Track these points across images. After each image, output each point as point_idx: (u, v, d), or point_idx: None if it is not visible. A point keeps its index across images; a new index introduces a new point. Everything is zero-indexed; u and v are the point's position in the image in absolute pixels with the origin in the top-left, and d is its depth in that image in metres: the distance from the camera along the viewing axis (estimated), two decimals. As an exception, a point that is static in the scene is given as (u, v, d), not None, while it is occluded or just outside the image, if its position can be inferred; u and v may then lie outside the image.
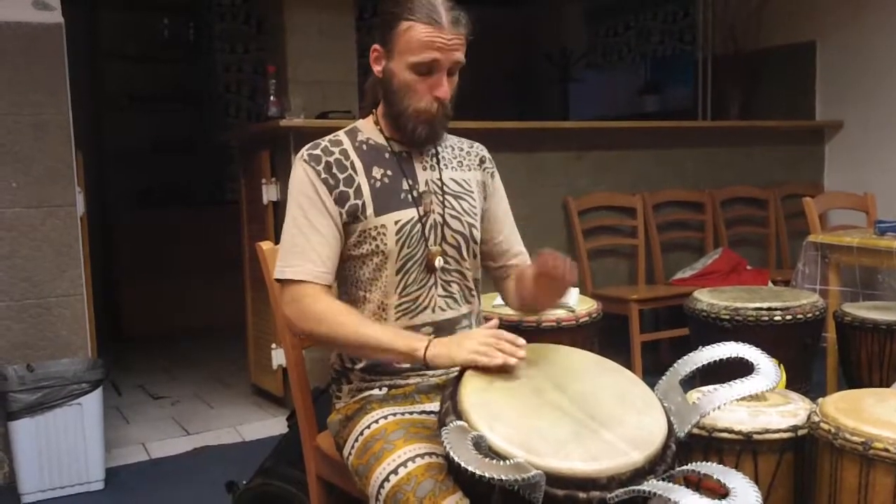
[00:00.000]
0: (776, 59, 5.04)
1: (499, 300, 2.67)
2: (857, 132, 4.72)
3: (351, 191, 1.58)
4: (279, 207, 3.51)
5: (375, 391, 1.62)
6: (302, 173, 1.58)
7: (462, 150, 1.76)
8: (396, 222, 1.58)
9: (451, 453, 1.18)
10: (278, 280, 1.59)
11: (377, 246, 1.58)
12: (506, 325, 2.56)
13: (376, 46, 1.60)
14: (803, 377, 2.93)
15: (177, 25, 6.05)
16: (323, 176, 1.57)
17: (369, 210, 1.58)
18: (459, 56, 1.56)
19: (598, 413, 1.34)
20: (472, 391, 1.35)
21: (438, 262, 1.62)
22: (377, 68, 1.61)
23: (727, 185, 4.48)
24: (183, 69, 6.01)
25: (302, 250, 1.55)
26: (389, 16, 1.55)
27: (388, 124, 1.65)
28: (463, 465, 1.16)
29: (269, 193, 3.50)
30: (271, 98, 3.65)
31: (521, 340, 1.45)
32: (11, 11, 2.83)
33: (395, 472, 1.38)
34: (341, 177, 1.58)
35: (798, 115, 4.93)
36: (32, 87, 2.86)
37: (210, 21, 5.93)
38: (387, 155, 1.64)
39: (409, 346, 1.47)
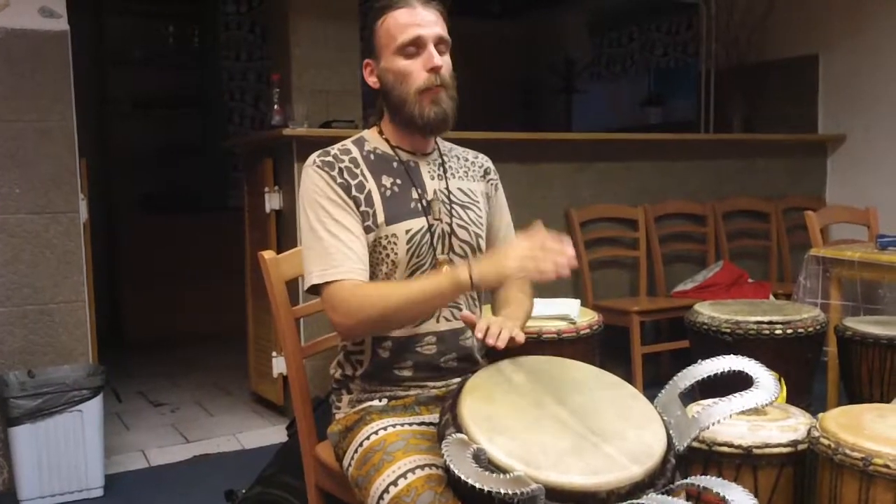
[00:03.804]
0: (779, 72, 5.05)
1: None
2: (860, 146, 4.72)
3: (362, 197, 1.58)
4: (282, 216, 3.52)
5: (375, 402, 1.62)
6: (317, 178, 1.57)
7: (467, 160, 1.77)
8: (407, 231, 1.58)
9: (451, 466, 1.18)
10: (316, 286, 1.52)
11: (387, 255, 1.58)
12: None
13: (367, 60, 1.65)
14: (804, 392, 2.92)
15: (182, 33, 6.08)
16: (339, 180, 1.57)
17: (381, 218, 1.57)
18: (441, 31, 1.60)
19: (598, 427, 1.34)
20: (472, 404, 1.35)
21: (446, 270, 1.61)
22: (372, 80, 1.64)
23: (729, 197, 4.49)
24: (188, 76, 6.03)
25: (339, 250, 1.52)
26: (368, 27, 1.64)
27: (396, 130, 1.65)
28: (463, 477, 1.16)
29: (272, 202, 3.50)
30: (275, 106, 3.66)
31: (570, 246, 1.37)
32: (18, 19, 2.84)
33: (394, 483, 1.38)
34: (353, 182, 1.58)
35: (800, 128, 4.93)
36: (37, 94, 2.88)
37: (215, 29, 5.96)
38: (395, 164, 1.64)
39: (454, 281, 1.43)
